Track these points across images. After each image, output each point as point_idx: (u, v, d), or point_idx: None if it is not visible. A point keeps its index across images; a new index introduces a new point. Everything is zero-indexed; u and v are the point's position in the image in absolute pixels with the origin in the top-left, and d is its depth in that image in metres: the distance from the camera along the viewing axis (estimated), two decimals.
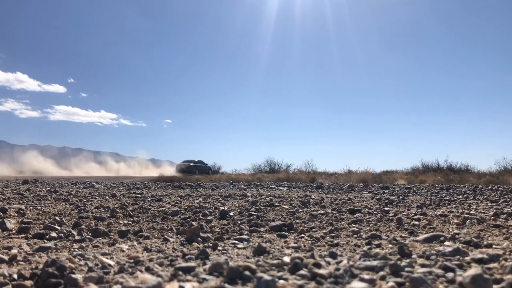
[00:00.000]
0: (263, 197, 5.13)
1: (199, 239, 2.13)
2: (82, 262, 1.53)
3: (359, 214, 3.32)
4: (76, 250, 1.88)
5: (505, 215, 2.99)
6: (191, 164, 24.84)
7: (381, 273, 1.28)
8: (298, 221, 2.91)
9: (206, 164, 26.26)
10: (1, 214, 3.13)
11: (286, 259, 1.47)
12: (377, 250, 1.74)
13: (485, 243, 1.82)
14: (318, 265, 1.35)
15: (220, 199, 4.82)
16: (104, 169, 30.45)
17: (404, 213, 3.35)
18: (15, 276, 1.33)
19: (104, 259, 1.60)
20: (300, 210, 3.64)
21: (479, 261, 1.43)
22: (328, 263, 1.46)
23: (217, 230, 2.49)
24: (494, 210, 3.31)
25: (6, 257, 1.61)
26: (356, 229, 2.43)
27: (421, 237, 2.04)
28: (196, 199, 4.73)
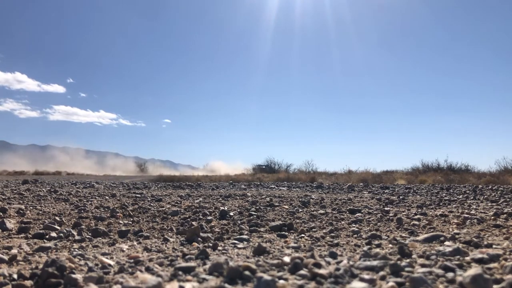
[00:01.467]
0: (263, 197, 5.13)
1: (199, 239, 2.13)
2: (82, 262, 1.53)
3: (359, 214, 3.32)
4: (76, 250, 1.87)
5: (505, 215, 2.99)
6: (263, 166, 31.04)
7: (381, 273, 1.28)
8: (298, 221, 2.91)
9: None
10: (1, 214, 3.13)
11: (286, 259, 1.47)
12: (377, 250, 1.73)
13: (485, 243, 1.82)
14: (318, 265, 1.35)
15: (220, 199, 4.82)
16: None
17: (404, 213, 3.35)
18: (15, 276, 1.33)
19: (104, 259, 1.60)
20: (300, 210, 3.64)
21: (479, 261, 1.43)
22: (328, 263, 1.46)
23: (217, 230, 2.49)
24: (494, 210, 3.31)
25: (6, 257, 1.61)
26: (356, 229, 2.43)
27: (421, 237, 2.04)
28: (196, 199, 4.73)
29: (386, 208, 3.71)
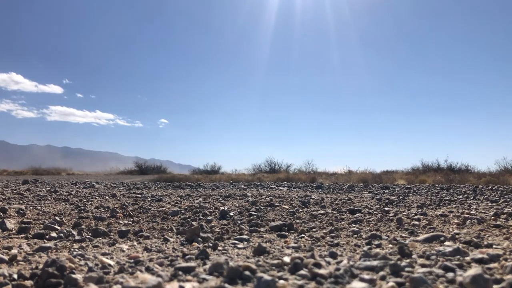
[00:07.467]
0: (263, 197, 5.13)
1: (199, 239, 2.12)
2: (82, 262, 1.53)
3: (359, 214, 3.32)
4: (76, 250, 1.87)
5: (505, 215, 2.99)
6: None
7: (381, 273, 1.28)
8: (298, 221, 2.91)
9: None
10: (1, 214, 3.13)
11: (286, 259, 1.47)
12: (377, 250, 1.73)
13: (485, 243, 1.82)
14: (318, 265, 1.35)
15: (220, 199, 4.82)
16: None
17: (404, 213, 3.35)
18: (15, 276, 1.33)
19: (104, 259, 1.60)
20: (300, 210, 3.64)
21: (479, 261, 1.43)
22: (328, 263, 1.46)
23: (217, 230, 2.49)
24: (494, 210, 3.31)
25: (6, 257, 1.61)
26: (356, 229, 2.43)
27: (421, 237, 2.04)
28: (196, 199, 4.73)
29: (386, 208, 3.71)
